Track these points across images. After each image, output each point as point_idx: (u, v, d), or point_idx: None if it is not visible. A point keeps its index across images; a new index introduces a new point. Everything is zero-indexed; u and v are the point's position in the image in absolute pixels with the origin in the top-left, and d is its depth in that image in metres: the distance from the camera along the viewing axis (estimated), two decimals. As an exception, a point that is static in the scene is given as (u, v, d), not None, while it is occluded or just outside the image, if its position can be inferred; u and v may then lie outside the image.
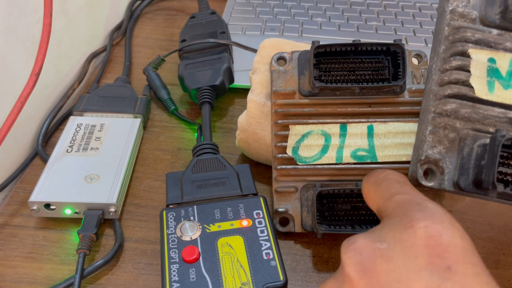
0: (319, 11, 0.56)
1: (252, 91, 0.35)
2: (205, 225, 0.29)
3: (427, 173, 0.25)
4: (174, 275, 0.27)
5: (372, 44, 0.30)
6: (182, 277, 0.26)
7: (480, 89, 0.24)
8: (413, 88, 0.31)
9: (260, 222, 0.29)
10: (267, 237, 0.28)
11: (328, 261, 0.31)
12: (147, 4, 0.59)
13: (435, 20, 0.54)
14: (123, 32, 0.54)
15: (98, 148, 0.36)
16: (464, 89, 0.25)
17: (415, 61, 0.32)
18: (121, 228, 0.33)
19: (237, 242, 0.28)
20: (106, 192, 0.33)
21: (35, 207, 0.32)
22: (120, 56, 0.51)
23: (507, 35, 0.25)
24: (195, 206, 0.31)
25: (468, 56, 0.25)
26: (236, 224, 0.29)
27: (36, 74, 0.33)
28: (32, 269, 0.31)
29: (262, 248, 0.28)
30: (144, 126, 0.42)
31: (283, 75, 0.32)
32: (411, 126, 0.31)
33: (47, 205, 0.32)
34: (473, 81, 0.24)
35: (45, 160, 0.37)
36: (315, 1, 0.58)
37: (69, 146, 0.36)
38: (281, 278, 0.26)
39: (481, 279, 0.17)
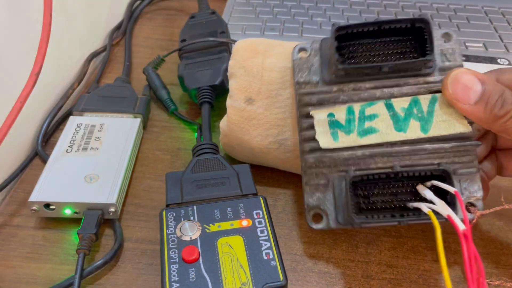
0: (319, 11, 0.56)
1: (231, 96, 0.34)
2: (205, 225, 0.29)
3: (316, 217, 0.30)
4: (173, 275, 0.27)
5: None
6: (182, 277, 0.26)
7: (325, 141, 0.29)
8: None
9: (260, 222, 0.29)
10: (267, 237, 0.28)
11: (328, 261, 0.31)
12: (147, 4, 0.59)
13: (435, 20, 0.54)
14: (123, 32, 0.54)
15: (98, 148, 0.36)
16: (316, 144, 0.29)
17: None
18: (121, 228, 0.33)
19: (237, 242, 0.28)
20: (106, 192, 0.33)
21: (34, 207, 0.32)
22: (120, 56, 0.51)
23: (345, 87, 0.29)
24: (195, 206, 0.31)
25: (312, 117, 0.29)
26: (236, 224, 0.29)
27: (36, 74, 0.33)
28: (31, 269, 0.31)
29: (262, 248, 0.28)
30: (144, 126, 0.42)
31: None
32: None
33: (47, 205, 0.32)
34: (318, 137, 0.29)
35: (45, 160, 0.37)
36: (315, 1, 0.58)
37: (69, 146, 0.36)
38: (281, 278, 0.26)
39: None
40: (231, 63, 0.35)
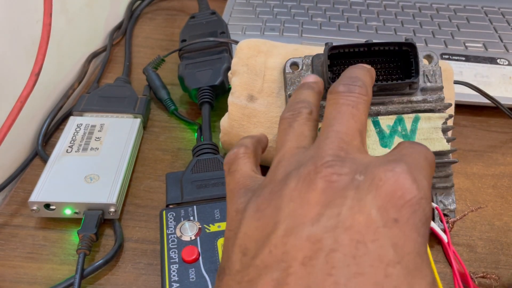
0: (319, 11, 0.56)
1: (232, 93, 0.35)
2: (204, 225, 0.29)
3: None
4: (173, 275, 0.27)
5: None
6: (182, 277, 0.26)
7: None
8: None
9: (260, 222, 0.29)
10: (267, 237, 0.28)
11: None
12: (147, 4, 0.59)
13: (435, 20, 0.54)
14: (123, 32, 0.54)
15: (98, 148, 0.36)
16: None
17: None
18: (121, 228, 0.33)
19: (237, 242, 0.28)
20: (106, 192, 0.33)
21: (35, 207, 0.32)
22: (120, 56, 0.51)
23: None
24: (194, 206, 0.31)
25: None
26: (236, 224, 0.29)
27: (36, 74, 0.33)
28: (32, 269, 0.31)
29: (262, 248, 0.28)
30: (144, 126, 0.42)
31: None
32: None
33: (47, 205, 0.32)
34: None
35: (45, 160, 0.37)
36: (315, 1, 0.58)
37: (69, 146, 0.36)
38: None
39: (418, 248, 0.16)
40: (234, 60, 0.35)
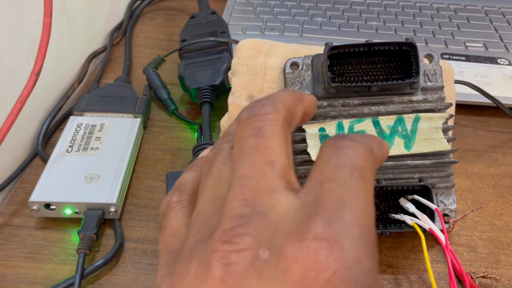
0: (319, 11, 0.56)
1: (233, 93, 0.34)
2: (205, 225, 0.29)
3: None
4: (174, 275, 0.26)
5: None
6: (182, 277, 0.26)
7: (315, 154, 0.29)
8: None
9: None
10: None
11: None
12: (147, 4, 0.59)
13: (435, 20, 0.54)
14: (123, 32, 0.54)
15: (98, 148, 0.36)
16: (307, 156, 0.30)
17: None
18: (121, 228, 0.33)
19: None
20: (106, 192, 0.33)
21: (35, 207, 0.32)
22: (120, 56, 0.51)
23: (334, 102, 0.31)
24: (195, 206, 0.31)
25: (304, 131, 0.30)
26: (236, 224, 0.29)
27: (36, 74, 0.33)
28: (32, 269, 0.31)
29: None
30: (144, 126, 0.42)
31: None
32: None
33: (47, 205, 0.32)
34: (309, 150, 0.30)
35: (45, 160, 0.37)
36: (315, 1, 0.58)
37: (69, 146, 0.36)
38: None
39: None
40: (234, 60, 0.35)
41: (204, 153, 0.22)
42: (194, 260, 0.15)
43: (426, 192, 0.29)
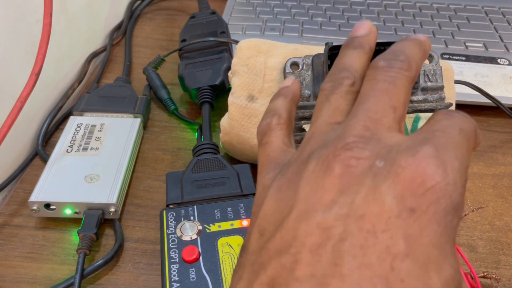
0: (319, 11, 0.56)
1: (233, 93, 0.34)
2: (205, 225, 0.29)
3: None
4: (174, 275, 0.27)
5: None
6: (182, 277, 0.26)
7: None
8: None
9: (260, 222, 0.29)
10: (267, 237, 0.28)
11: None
12: (147, 4, 0.59)
13: (435, 20, 0.54)
14: (123, 32, 0.54)
15: (98, 148, 0.36)
16: None
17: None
18: (121, 228, 0.33)
19: (237, 242, 0.28)
20: (106, 192, 0.33)
21: (35, 207, 0.32)
22: (120, 56, 0.51)
23: None
24: (195, 206, 0.31)
25: (304, 131, 0.30)
26: (236, 224, 0.29)
27: (36, 74, 0.33)
28: (32, 269, 0.31)
29: (262, 248, 0.28)
30: (144, 126, 0.42)
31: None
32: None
33: (47, 205, 0.32)
34: None
35: (45, 160, 0.37)
36: (315, 1, 0.58)
37: (69, 146, 0.36)
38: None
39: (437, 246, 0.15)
40: (234, 60, 0.35)
41: (288, 81, 0.25)
42: (313, 161, 0.17)
43: None
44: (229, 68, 0.42)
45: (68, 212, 0.33)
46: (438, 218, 0.15)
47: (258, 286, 0.15)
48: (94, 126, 0.38)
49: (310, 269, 0.15)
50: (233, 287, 0.17)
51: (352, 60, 0.22)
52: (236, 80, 0.34)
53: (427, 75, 0.31)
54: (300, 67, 0.32)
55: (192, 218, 0.30)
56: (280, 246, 0.16)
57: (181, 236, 0.29)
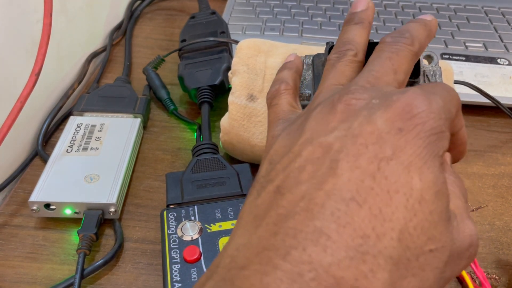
0: (319, 11, 0.56)
1: (233, 93, 0.34)
2: (206, 225, 0.29)
3: None
4: (175, 275, 0.27)
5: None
6: (184, 277, 0.26)
7: None
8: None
9: (260, 222, 0.29)
10: (267, 237, 0.28)
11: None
12: (147, 4, 0.59)
13: (435, 20, 0.54)
14: (123, 32, 0.54)
15: (98, 148, 0.36)
16: None
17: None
18: (121, 228, 0.33)
19: (238, 242, 0.28)
20: (106, 192, 0.33)
21: (35, 207, 0.32)
22: (120, 56, 0.51)
23: None
24: (195, 206, 0.31)
25: None
26: (236, 224, 0.29)
27: (36, 74, 0.33)
28: (32, 269, 0.31)
29: (263, 248, 0.28)
30: (144, 126, 0.42)
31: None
32: None
33: (47, 205, 0.32)
34: None
35: (45, 160, 0.37)
36: (315, 1, 0.58)
37: (69, 146, 0.36)
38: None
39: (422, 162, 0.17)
40: (234, 60, 0.35)
41: (291, 57, 0.29)
42: (319, 106, 0.20)
43: None
44: (228, 68, 0.42)
45: (68, 212, 0.33)
46: (422, 135, 0.17)
47: (266, 194, 0.18)
48: (94, 126, 0.38)
49: (310, 174, 0.17)
50: (244, 203, 0.20)
51: (354, 35, 0.25)
52: (236, 80, 0.35)
53: (426, 75, 0.31)
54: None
55: (192, 218, 0.30)
56: (285, 164, 0.18)
57: (182, 236, 0.29)
